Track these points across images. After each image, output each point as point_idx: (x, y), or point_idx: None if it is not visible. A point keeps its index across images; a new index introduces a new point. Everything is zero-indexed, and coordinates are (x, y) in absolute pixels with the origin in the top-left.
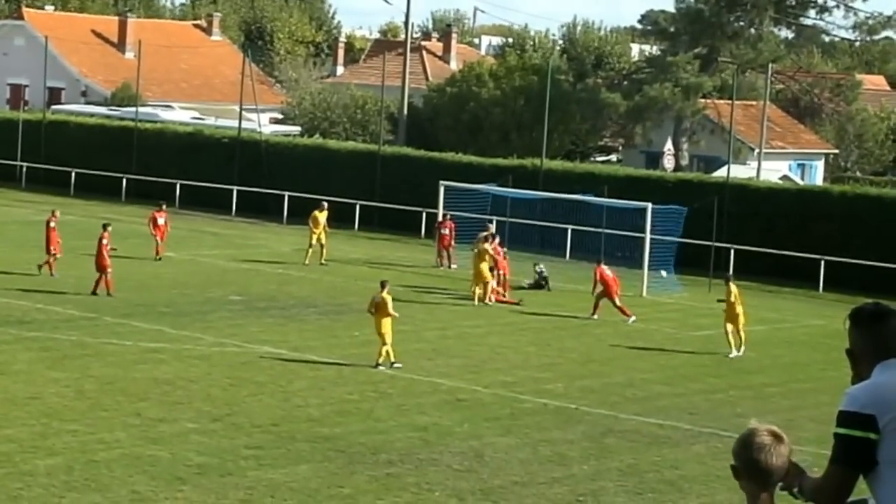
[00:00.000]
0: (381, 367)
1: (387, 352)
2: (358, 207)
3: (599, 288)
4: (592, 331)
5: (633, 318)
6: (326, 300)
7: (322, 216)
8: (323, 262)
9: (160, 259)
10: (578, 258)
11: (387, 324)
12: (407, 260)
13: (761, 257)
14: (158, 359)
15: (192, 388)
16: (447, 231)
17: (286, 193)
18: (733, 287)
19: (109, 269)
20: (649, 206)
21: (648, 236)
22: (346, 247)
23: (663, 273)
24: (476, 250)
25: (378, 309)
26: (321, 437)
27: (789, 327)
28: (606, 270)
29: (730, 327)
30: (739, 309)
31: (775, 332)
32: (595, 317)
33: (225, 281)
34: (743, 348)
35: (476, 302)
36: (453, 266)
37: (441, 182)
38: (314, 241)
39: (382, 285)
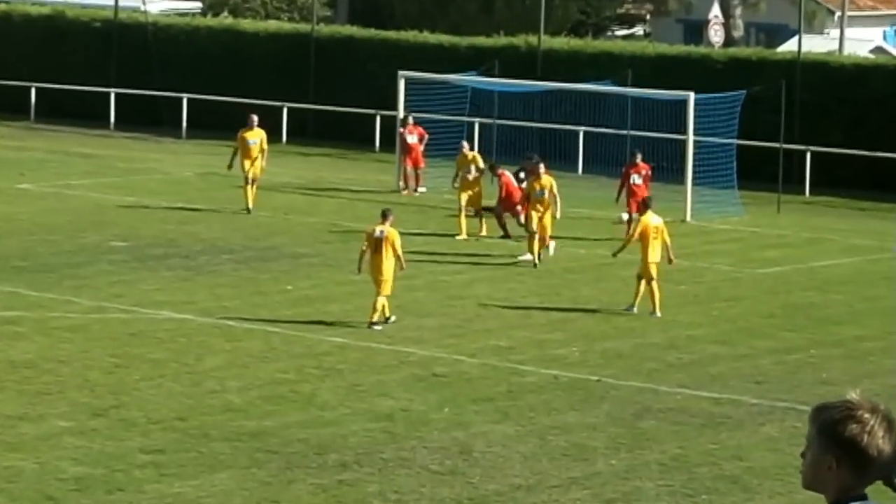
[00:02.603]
0: (376, 327)
1: (383, 305)
2: (285, 112)
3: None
4: (617, 272)
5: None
6: (246, 243)
7: (255, 137)
8: (249, 208)
9: None
10: (595, 171)
11: (389, 268)
12: (357, 182)
13: (848, 162)
14: (14, 332)
15: (62, 373)
16: (415, 139)
17: (184, 96)
18: (655, 218)
19: None
20: (691, 95)
21: (692, 138)
22: (272, 167)
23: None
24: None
25: (378, 248)
26: (245, 434)
27: (890, 258)
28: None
29: (645, 281)
30: (654, 253)
31: (870, 265)
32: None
33: (103, 221)
34: (658, 311)
35: (536, 260)
36: (420, 189)
37: (401, 73)
38: (249, 176)
39: (385, 215)
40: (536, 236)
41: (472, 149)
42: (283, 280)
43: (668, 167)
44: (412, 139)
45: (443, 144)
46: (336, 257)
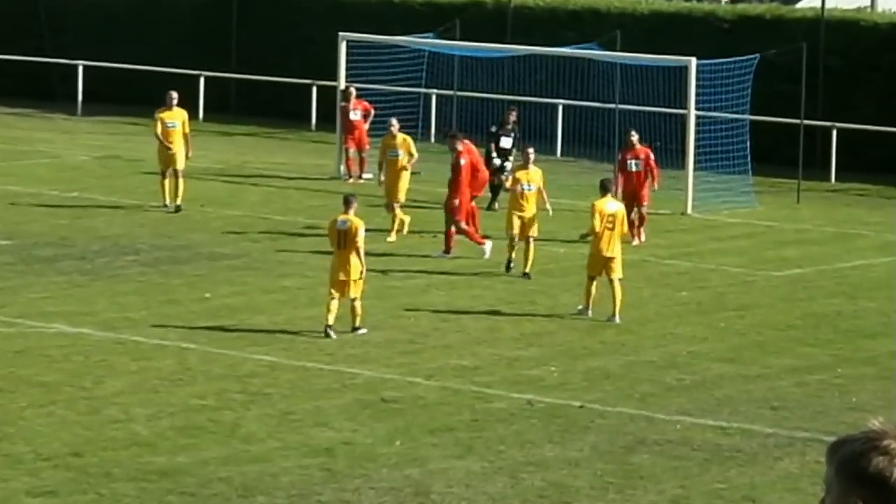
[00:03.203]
0: (361, 331)
1: (356, 307)
2: (202, 83)
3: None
4: (604, 276)
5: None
6: (154, 241)
7: (174, 119)
8: (177, 203)
9: None
10: (578, 154)
11: (356, 266)
12: (289, 168)
13: (881, 142)
14: None
15: None
16: (359, 115)
17: (80, 64)
18: (611, 204)
19: None
20: (693, 61)
21: (693, 113)
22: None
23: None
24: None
25: (341, 242)
26: (155, 472)
27: None
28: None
29: (594, 281)
30: (614, 247)
31: None
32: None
33: None
34: (589, 311)
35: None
36: (366, 175)
37: (341, 35)
38: (169, 167)
39: (348, 203)
40: (514, 241)
41: (407, 127)
42: (200, 286)
43: (664, 148)
44: (356, 116)
45: (396, 119)
46: (264, 259)
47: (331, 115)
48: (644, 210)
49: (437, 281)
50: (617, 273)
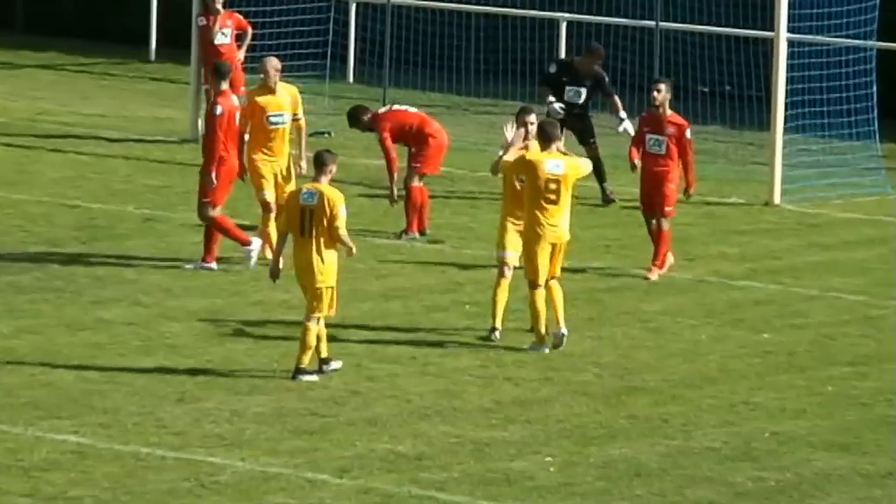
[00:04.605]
0: (305, 377)
1: (317, 336)
2: None
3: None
4: (632, 304)
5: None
6: None
7: None
8: None
9: None
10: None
11: (330, 263)
12: (115, 124)
13: None
14: None
15: None
16: (227, 38)
17: None
18: (554, 162)
19: None
20: None
21: (784, 37)
22: None
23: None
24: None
25: (306, 225)
26: None
27: None
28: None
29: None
30: (550, 224)
31: None
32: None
33: None
34: (562, 329)
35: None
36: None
37: None
38: None
39: (322, 163)
40: (508, 270)
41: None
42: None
43: (737, 94)
44: (223, 38)
45: (285, 47)
46: (71, 275)
47: (182, 36)
48: (666, 224)
49: (359, 311)
50: (557, 269)
